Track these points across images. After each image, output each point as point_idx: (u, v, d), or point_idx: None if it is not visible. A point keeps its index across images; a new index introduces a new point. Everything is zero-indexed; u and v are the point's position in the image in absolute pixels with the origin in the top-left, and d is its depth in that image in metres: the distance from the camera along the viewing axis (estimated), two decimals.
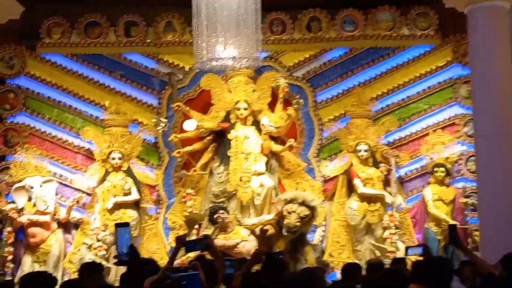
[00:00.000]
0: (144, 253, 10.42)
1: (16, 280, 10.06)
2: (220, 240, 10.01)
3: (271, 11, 11.02)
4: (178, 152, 10.72)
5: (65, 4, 11.16)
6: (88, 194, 10.75)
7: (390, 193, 10.53)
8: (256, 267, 5.97)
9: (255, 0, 7.63)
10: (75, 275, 9.63)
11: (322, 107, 11.07)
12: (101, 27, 11.14)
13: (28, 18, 10.84)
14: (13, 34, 11.08)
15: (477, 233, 10.26)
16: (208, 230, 10.40)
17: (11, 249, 10.34)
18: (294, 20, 11.17)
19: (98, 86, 11.10)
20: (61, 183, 10.78)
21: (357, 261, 10.38)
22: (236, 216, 10.36)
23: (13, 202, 10.47)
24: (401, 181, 10.88)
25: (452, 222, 10.24)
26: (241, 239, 10.08)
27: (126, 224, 5.25)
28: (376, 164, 10.65)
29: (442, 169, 10.62)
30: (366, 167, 10.60)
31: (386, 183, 10.60)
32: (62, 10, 11.11)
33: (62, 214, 10.51)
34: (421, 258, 6.17)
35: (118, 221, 10.18)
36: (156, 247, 10.65)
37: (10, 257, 10.33)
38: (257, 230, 10.00)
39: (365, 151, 10.61)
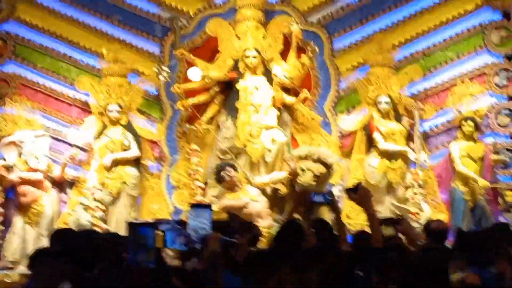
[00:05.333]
0: (145, 214, 9.94)
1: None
2: (228, 201, 9.45)
3: None
4: (182, 105, 10.07)
5: None
6: (84, 150, 10.11)
7: (413, 149, 9.87)
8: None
9: None
10: None
11: (339, 55, 10.36)
12: None
13: None
14: None
15: (509, 192, 9.71)
16: (214, 190, 9.82)
17: (1, 209, 9.75)
18: None
19: (94, 32, 10.39)
20: (54, 138, 10.12)
21: None
22: (245, 174, 9.74)
23: (3, 158, 9.82)
24: (426, 136, 10.19)
25: (481, 180, 9.66)
26: (251, 199, 9.47)
27: (206, 206, 4.32)
28: (398, 118, 10.01)
29: (471, 123, 9.92)
30: (387, 120, 9.97)
31: (409, 138, 9.97)
32: None
33: (55, 171, 9.89)
34: None
35: (118, 180, 9.78)
36: (158, 207, 10.07)
37: (0, 218, 9.73)
38: (268, 190, 9.66)
39: (386, 103, 9.95)
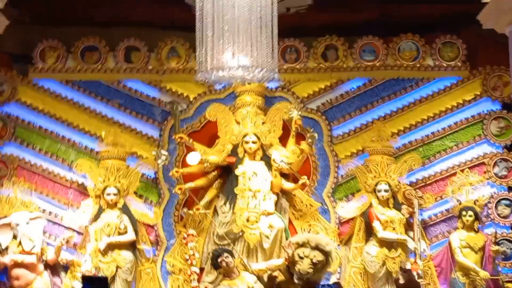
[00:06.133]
0: None
1: None
2: (223, 287, 9.29)
3: (284, 37, 10.31)
4: (180, 189, 9.97)
5: (60, 26, 10.44)
6: (80, 233, 9.99)
7: (413, 238, 9.72)
8: None
9: (271, 3, 6.68)
10: None
11: (338, 142, 10.38)
12: (99, 52, 10.45)
13: (21, 40, 10.26)
14: (3, 57, 10.40)
15: (510, 284, 9.58)
16: (210, 276, 9.65)
17: None
18: (308, 48, 10.48)
19: (94, 116, 10.40)
20: (50, 221, 10.01)
21: None
22: (242, 260, 9.62)
23: None
24: (425, 225, 10.09)
25: (482, 271, 9.52)
26: (247, 286, 9.31)
27: (98, 280, 4.20)
28: (397, 206, 9.90)
29: (471, 212, 9.82)
30: (386, 208, 9.87)
31: (409, 227, 9.85)
32: (57, 32, 10.42)
33: (50, 254, 9.73)
34: None
35: (113, 264, 9.61)
36: None
37: None
38: (265, 277, 9.45)
39: (386, 191, 9.87)
